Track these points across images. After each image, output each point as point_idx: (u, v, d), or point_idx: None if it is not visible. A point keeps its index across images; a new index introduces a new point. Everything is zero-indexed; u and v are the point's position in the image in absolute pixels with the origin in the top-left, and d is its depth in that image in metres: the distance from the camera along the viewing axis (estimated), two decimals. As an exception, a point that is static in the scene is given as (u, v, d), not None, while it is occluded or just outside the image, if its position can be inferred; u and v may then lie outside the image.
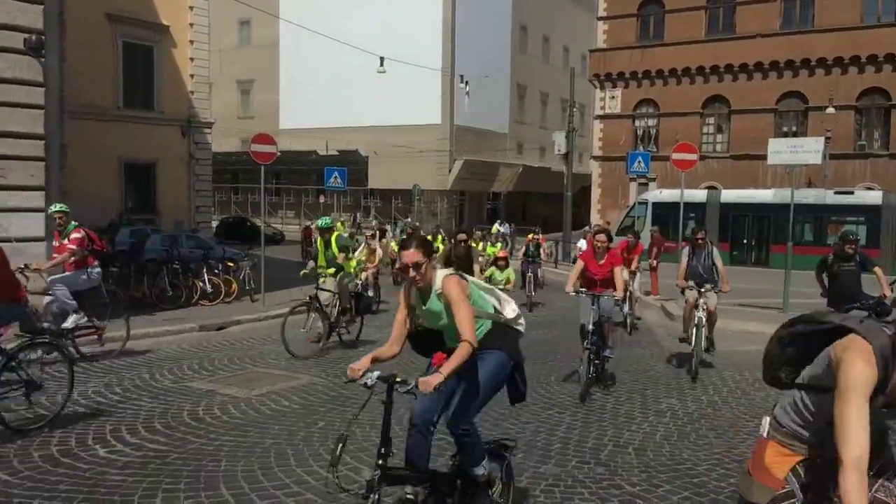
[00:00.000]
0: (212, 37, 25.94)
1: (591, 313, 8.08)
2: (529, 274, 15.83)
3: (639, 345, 11.39)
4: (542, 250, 16.81)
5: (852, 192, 25.81)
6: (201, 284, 14.26)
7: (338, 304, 10.56)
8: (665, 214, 24.17)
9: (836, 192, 25.55)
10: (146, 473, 5.29)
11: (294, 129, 47.05)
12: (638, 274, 14.09)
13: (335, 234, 10.98)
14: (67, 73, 12.03)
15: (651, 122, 34.83)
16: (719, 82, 32.73)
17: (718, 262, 9.52)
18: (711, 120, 33.54)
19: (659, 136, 34.13)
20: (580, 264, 8.67)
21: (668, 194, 26.31)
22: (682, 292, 9.79)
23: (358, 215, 41.09)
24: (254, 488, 5.08)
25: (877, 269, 9.47)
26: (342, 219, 37.65)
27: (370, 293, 14.11)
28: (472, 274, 9.14)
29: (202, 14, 24.07)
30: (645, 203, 27.55)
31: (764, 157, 16.31)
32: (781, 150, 15.35)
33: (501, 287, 11.62)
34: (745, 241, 26.98)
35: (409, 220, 33.75)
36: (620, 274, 8.27)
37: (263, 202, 18.29)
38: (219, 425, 6.53)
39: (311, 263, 11.22)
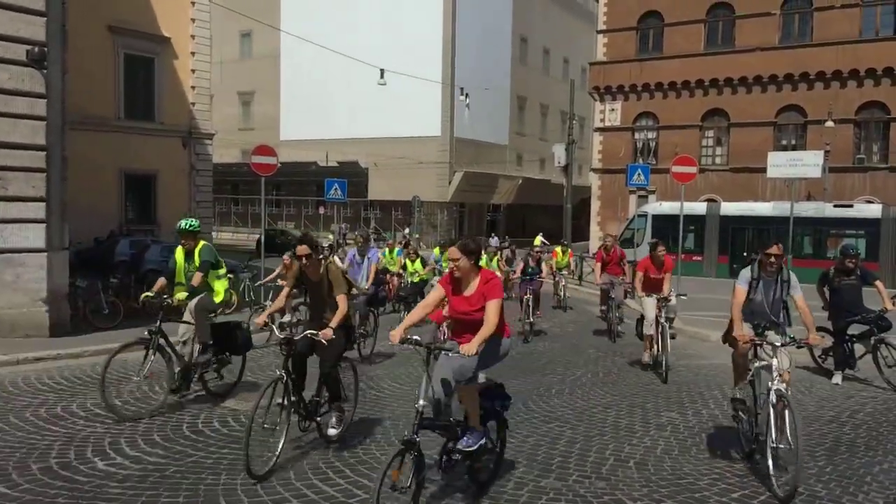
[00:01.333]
0: (213, 48, 26.08)
1: (424, 384, 4.74)
2: (527, 296, 12.91)
3: (638, 358, 11.35)
4: (543, 265, 14.20)
5: (852, 206, 25.83)
6: (201, 296, 14.20)
7: (195, 339, 7.75)
8: (665, 227, 24.17)
9: (835, 206, 25.57)
10: (145, 486, 5.27)
11: (294, 140, 47.18)
12: (673, 300, 10.06)
13: (201, 243, 7.87)
14: (68, 84, 12.05)
15: (651, 134, 34.89)
16: (718, 95, 32.80)
17: (797, 295, 6.22)
18: (711, 133, 33.58)
19: (658, 148, 34.16)
20: (437, 293, 5.19)
21: (667, 207, 26.35)
22: (727, 341, 6.32)
23: (343, 227, 40.60)
24: (253, 502, 5.06)
25: (878, 282, 9.48)
26: (373, 232, 36.38)
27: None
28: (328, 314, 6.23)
29: (203, 26, 24.19)
30: (644, 215, 27.57)
31: (763, 170, 16.37)
32: (781, 164, 15.44)
33: None
34: (744, 254, 26.92)
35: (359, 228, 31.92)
36: (495, 311, 4.85)
37: (264, 213, 18.30)
38: (218, 438, 6.51)
39: (160, 281, 7.70)
